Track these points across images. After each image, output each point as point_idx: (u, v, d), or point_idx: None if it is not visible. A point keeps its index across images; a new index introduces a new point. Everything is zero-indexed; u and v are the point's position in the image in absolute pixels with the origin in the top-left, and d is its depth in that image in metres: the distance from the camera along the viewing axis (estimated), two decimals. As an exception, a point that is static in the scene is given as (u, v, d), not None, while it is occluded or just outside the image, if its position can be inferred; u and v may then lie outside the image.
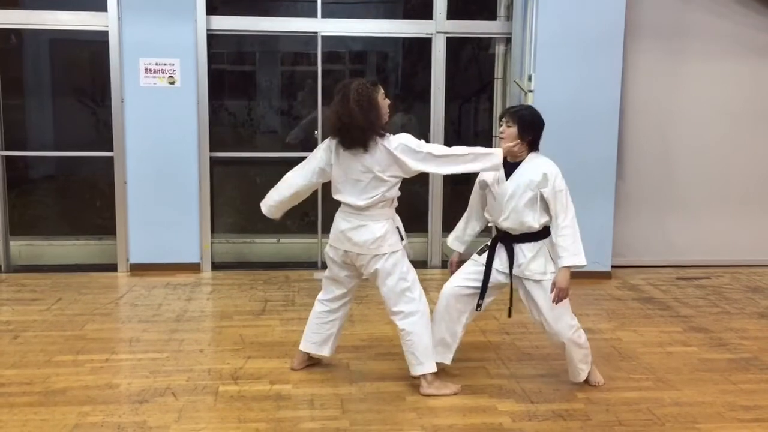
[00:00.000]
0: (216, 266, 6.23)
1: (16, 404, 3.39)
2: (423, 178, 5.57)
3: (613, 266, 6.12)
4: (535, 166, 3.49)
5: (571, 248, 3.40)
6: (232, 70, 6.90)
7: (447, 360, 3.69)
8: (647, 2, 6.18)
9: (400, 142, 3.40)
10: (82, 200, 6.70)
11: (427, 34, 6.24)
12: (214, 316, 4.97)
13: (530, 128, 3.50)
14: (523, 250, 3.53)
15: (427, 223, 6.43)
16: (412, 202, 6.40)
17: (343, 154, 3.47)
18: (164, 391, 3.56)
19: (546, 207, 3.50)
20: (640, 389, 3.68)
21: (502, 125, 3.52)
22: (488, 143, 6.56)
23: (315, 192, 6.27)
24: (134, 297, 5.33)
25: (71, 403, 3.41)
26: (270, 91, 6.92)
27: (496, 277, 3.59)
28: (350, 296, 3.79)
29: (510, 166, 3.52)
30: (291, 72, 6.98)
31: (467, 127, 6.95)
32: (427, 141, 6.15)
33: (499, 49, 6.44)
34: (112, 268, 6.10)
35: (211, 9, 5.96)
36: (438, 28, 6.20)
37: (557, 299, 3.42)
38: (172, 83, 5.92)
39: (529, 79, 5.93)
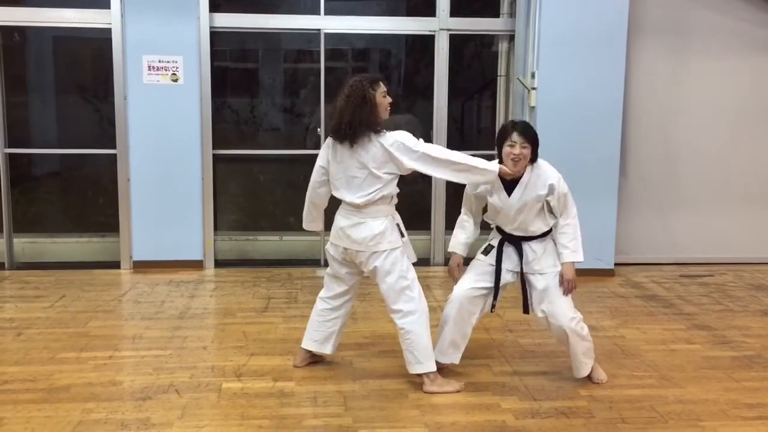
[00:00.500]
0: (219, 263, 6.24)
1: (19, 401, 3.40)
2: (426, 176, 5.56)
3: (616, 264, 6.12)
4: (537, 178, 3.49)
5: (571, 245, 3.55)
6: (235, 68, 6.90)
7: (456, 360, 3.71)
8: (650, 0, 6.16)
9: (396, 139, 3.40)
10: (85, 197, 6.71)
11: (430, 31, 6.23)
12: (217, 313, 4.97)
13: (537, 145, 3.50)
14: (532, 248, 3.59)
15: (429, 221, 6.42)
16: (414, 200, 6.39)
17: (340, 151, 3.48)
18: (167, 388, 3.57)
19: (551, 209, 3.57)
20: (643, 387, 3.67)
21: (515, 145, 3.39)
22: (490, 141, 6.54)
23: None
24: (137, 294, 5.34)
25: (75, 400, 3.42)
26: (273, 89, 6.92)
27: (505, 276, 3.63)
28: (352, 294, 3.79)
29: (510, 180, 3.50)
30: (294, 69, 6.97)
31: (470, 124, 6.94)
32: (430, 138, 6.25)
33: (502, 47, 6.43)
34: (116, 265, 6.11)
35: (214, 6, 5.97)
36: (441, 25, 6.19)
37: (567, 291, 3.53)
38: (175, 80, 5.92)
39: (532, 76, 5.92)
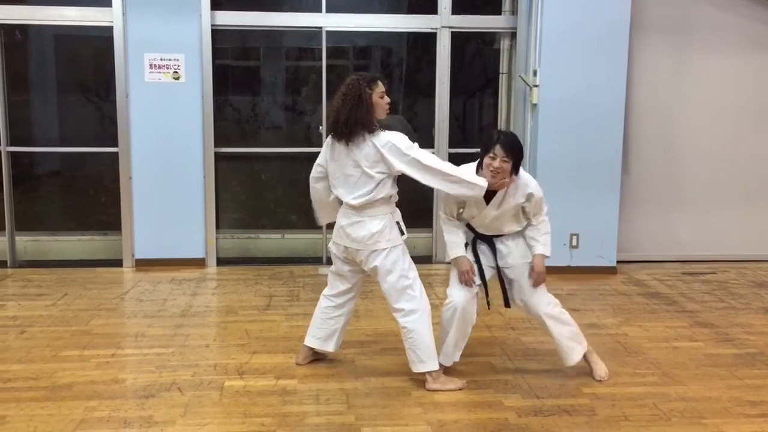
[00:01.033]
0: (221, 261, 6.25)
1: (22, 399, 3.40)
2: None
3: (618, 261, 6.11)
4: (516, 189, 3.53)
5: (541, 239, 3.63)
6: (236, 66, 6.89)
7: (457, 357, 3.73)
8: (653, -4, 6.16)
9: (389, 140, 3.38)
10: (87, 196, 6.71)
11: (431, 28, 6.23)
12: (219, 311, 4.98)
13: (520, 160, 3.51)
14: (505, 243, 3.68)
15: (431, 219, 6.42)
16: (416, 198, 6.38)
17: (338, 149, 3.49)
18: (170, 386, 3.57)
19: (525, 213, 3.65)
20: (645, 384, 3.67)
21: (495, 159, 3.39)
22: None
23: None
24: (139, 292, 5.34)
25: (77, 398, 3.42)
26: (274, 87, 6.91)
27: (486, 272, 3.70)
28: (355, 292, 3.79)
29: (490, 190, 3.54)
30: (295, 67, 6.96)
31: (472, 122, 6.93)
32: (432, 136, 6.23)
33: (504, 44, 6.41)
34: (118, 263, 6.12)
35: (216, 4, 5.96)
36: (443, 22, 6.18)
37: (536, 283, 3.62)
38: (177, 79, 5.92)
39: (534, 74, 5.92)
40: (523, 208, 3.59)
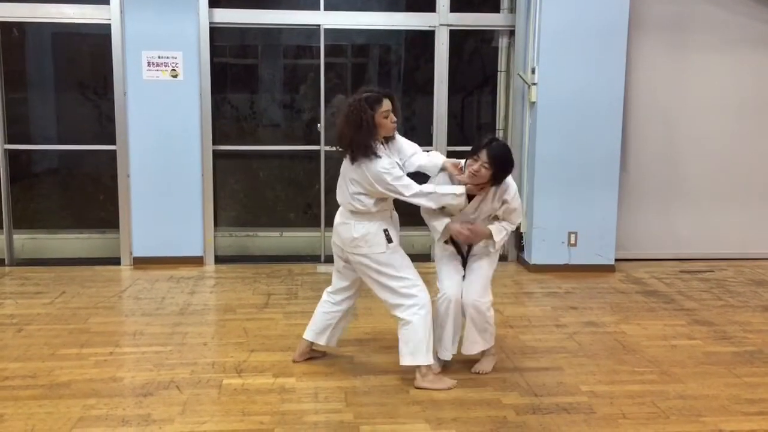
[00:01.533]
0: (219, 259, 6.24)
1: (20, 397, 3.40)
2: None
3: (616, 259, 6.12)
4: (494, 195, 3.59)
5: (501, 228, 3.62)
6: (234, 64, 6.88)
7: (455, 350, 3.76)
8: (651, -6, 6.16)
9: (378, 170, 3.37)
10: (85, 194, 6.69)
11: (430, 26, 6.22)
12: (217, 309, 4.97)
13: (505, 173, 3.52)
14: None
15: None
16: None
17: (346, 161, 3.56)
18: (168, 384, 3.57)
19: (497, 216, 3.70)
20: (644, 382, 3.67)
21: (477, 162, 3.43)
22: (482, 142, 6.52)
23: (318, 185, 6.33)
24: (138, 290, 5.33)
25: (75, 396, 3.41)
26: (272, 85, 6.90)
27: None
28: (353, 291, 3.80)
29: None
30: (293, 65, 6.95)
31: (470, 120, 6.92)
32: (431, 134, 6.22)
33: (503, 42, 6.41)
34: (116, 261, 6.11)
35: (214, 2, 5.96)
36: (441, 20, 6.18)
37: (458, 235, 3.58)
38: (175, 76, 5.91)
39: (533, 72, 5.91)
40: (497, 215, 3.65)
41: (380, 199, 3.51)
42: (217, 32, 6.14)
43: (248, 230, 6.64)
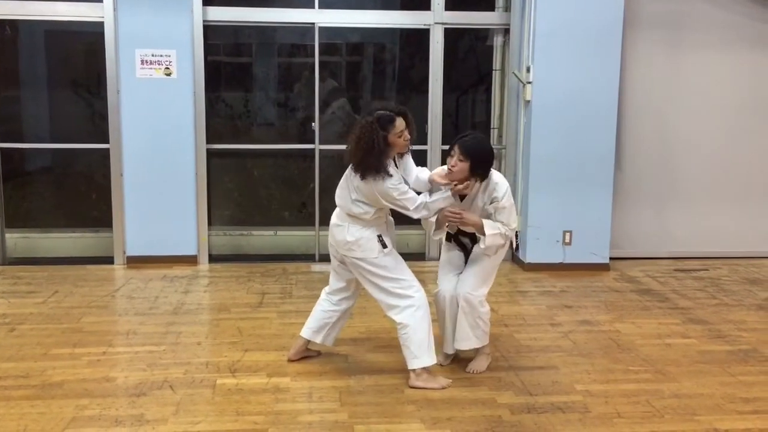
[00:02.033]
0: (213, 258, 6.22)
1: (12, 397, 3.37)
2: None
3: (611, 258, 6.12)
4: (485, 192, 3.60)
5: (494, 229, 3.56)
6: (229, 62, 6.85)
7: (453, 349, 3.78)
8: (646, -7, 6.16)
9: (387, 186, 3.37)
10: (78, 192, 6.66)
11: (425, 24, 6.21)
12: (211, 308, 4.95)
13: (484, 164, 3.53)
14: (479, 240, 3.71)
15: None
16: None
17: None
18: (162, 384, 3.55)
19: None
20: (638, 381, 3.67)
21: (452, 157, 3.49)
22: (486, 135, 6.53)
23: (312, 184, 6.32)
24: (131, 289, 5.31)
25: (68, 397, 3.39)
26: (267, 83, 6.88)
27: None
28: (351, 292, 3.79)
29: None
30: (288, 64, 6.93)
31: (465, 118, 6.91)
32: (425, 133, 6.21)
33: (498, 41, 6.40)
34: (109, 260, 6.08)
35: (208, 0, 5.92)
36: (436, 18, 6.16)
37: (446, 216, 3.55)
38: (169, 75, 5.88)
39: (528, 70, 5.91)
40: (491, 214, 3.61)
41: (380, 209, 3.51)
42: (211, 30, 6.11)
43: (242, 229, 6.62)
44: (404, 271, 3.56)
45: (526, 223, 6.03)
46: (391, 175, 3.38)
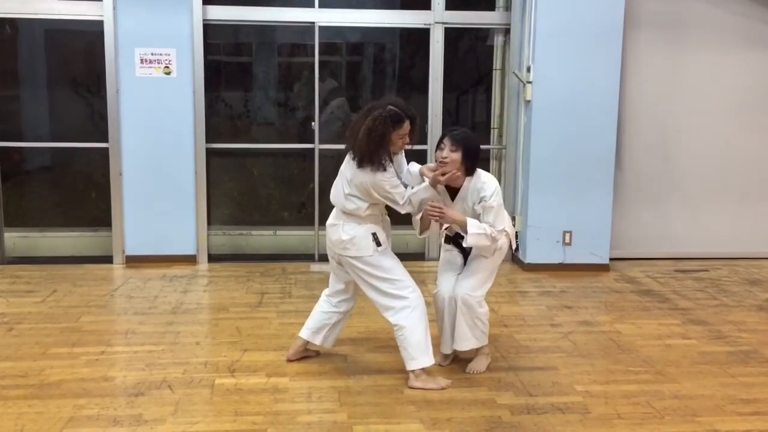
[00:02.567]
0: (212, 258, 6.21)
1: (10, 397, 3.36)
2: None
3: (611, 258, 6.11)
4: (473, 189, 3.59)
5: (477, 228, 3.50)
6: (228, 61, 6.84)
7: (452, 349, 3.77)
8: (647, -7, 6.15)
9: (380, 179, 3.38)
10: (77, 192, 6.65)
11: (425, 24, 6.20)
12: (210, 308, 4.94)
13: (473, 156, 3.54)
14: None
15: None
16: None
17: (349, 162, 3.53)
18: (160, 384, 3.53)
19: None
20: (639, 382, 3.66)
21: (444, 149, 3.51)
22: (486, 135, 6.53)
23: (312, 184, 6.30)
24: (130, 289, 5.30)
25: (66, 396, 3.38)
26: (267, 83, 6.87)
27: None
28: (350, 294, 3.79)
29: (453, 189, 3.63)
30: (288, 63, 6.93)
31: (465, 118, 6.90)
32: (426, 133, 6.20)
33: (498, 40, 6.39)
34: (108, 259, 6.07)
35: (207, -1, 5.92)
36: (436, 18, 6.15)
37: (433, 208, 3.50)
38: (168, 73, 5.87)
39: (528, 70, 5.90)
40: (479, 214, 3.59)
41: (373, 204, 3.49)
42: (211, 29, 6.10)
43: (242, 229, 6.61)
44: (400, 272, 3.55)
45: (526, 223, 6.01)
46: (386, 169, 3.40)
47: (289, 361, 3.84)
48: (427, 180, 3.56)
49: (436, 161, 3.58)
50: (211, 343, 4.17)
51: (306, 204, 6.58)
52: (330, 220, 3.63)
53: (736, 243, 6.57)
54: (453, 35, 6.33)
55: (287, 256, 6.45)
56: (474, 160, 3.56)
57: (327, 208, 3.68)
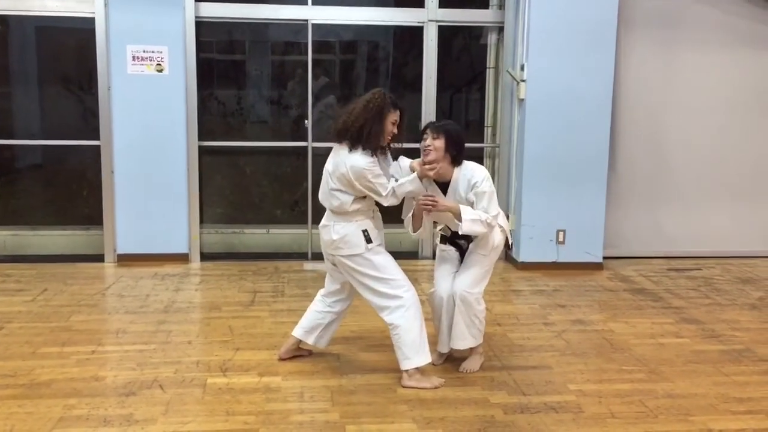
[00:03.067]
0: (205, 257, 6.18)
1: (-1, 397, 3.34)
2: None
3: (604, 257, 6.11)
4: (463, 178, 3.59)
5: (472, 215, 3.48)
6: (221, 59, 6.81)
7: (448, 348, 3.76)
8: (640, -8, 6.15)
9: (362, 167, 3.36)
10: (68, 190, 6.61)
11: (418, 22, 6.18)
12: (202, 307, 4.91)
13: (457, 143, 3.55)
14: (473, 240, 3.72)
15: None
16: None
17: (336, 152, 3.52)
18: (151, 384, 3.51)
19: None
20: (632, 381, 3.65)
21: (426, 138, 3.53)
22: (480, 133, 6.53)
23: (305, 182, 6.28)
24: (121, 288, 5.26)
25: (56, 396, 3.35)
26: (260, 81, 6.84)
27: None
28: (346, 294, 3.77)
29: (443, 184, 3.62)
30: (281, 61, 6.90)
31: (458, 117, 6.89)
32: (419, 131, 6.16)
33: (492, 39, 6.38)
34: (99, 258, 6.03)
35: (200, -4, 5.89)
36: (430, 16, 6.14)
37: (426, 199, 3.48)
38: (160, 71, 5.84)
39: (522, 68, 5.89)
40: (472, 203, 3.57)
41: (359, 199, 3.47)
42: (204, 27, 6.07)
43: (234, 227, 6.58)
44: (394, 271, 3.53)
45: (520, 221, 6.00)
46: (373, 156, 3.40)
47: (281, 359, 3.82)
48: (415, 173, 3.54)
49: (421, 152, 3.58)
50: (202, 342, 4.14)
51: (299, 202, 6.56)
52: (322, 222, 3.62)
53: (729, 242, 6.58)
54: (447, 33, 6.31)
55: (280, 254, 6.42)
56: (459, 148, 3.55)
57: (320, 206, 3.66)
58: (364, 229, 3.50)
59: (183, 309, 4.78)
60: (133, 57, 5.79)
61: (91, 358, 3.84)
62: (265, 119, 6.94)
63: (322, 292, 3.83)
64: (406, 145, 3.67)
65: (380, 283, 3.49)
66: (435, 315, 3.76)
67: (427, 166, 3.49)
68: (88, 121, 6.16)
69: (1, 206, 6.23)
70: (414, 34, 6.29)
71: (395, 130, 3.49)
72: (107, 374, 3.62)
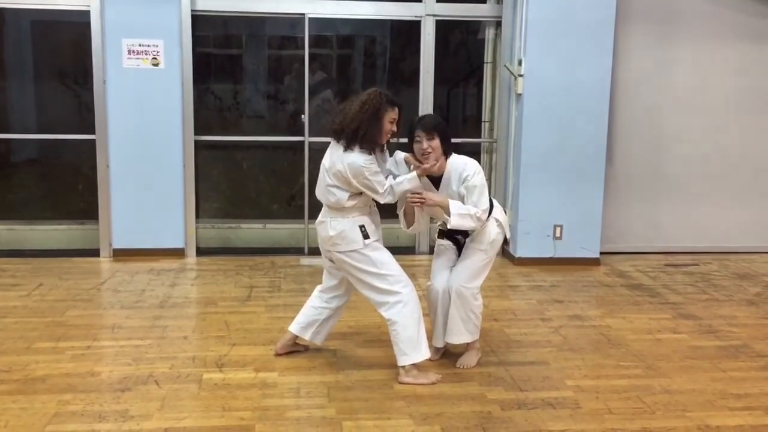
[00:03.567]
0: (201, 252, 6.16)
1: (-6, 392, 3.32)
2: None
3: (601, 252, 6.10)
4: (455, 172, 3.57)
5: (461, 209, 3.47)
6: (218, 53, 6.78)
7: (443, 342, 3.75)
8: (639, -14, 6.13)
9: (360, 164, 3.35)
10: (64, 184, 6.58)
11: (416, 16, 6.15)
12: (198, 302, 4.89)
13: (448, 138, 3.56)
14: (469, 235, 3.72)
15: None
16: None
17: (332, 149, 3.50)
18: (147, 379, 3.49)
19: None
20: (629, 377, 3.64)
21: (421, 141, 3.49)
22: (477, 128, 6.51)
23: (302, 177, 6.26)
24: (117, 282, 5.24)
25: (51, 392, 3.33)
26: (257, 75, 6.81)
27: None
28: (343, 290, 3.75)
29: (435, 178, 3.61)
30: (278, 56, 6.87)
31: (456, 112, 6.87)
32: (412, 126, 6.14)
33: (489, 33, 6.36)
34: (95, 253, 6.01)
35: (196, -11, 5.86)
36: (427, 10, 6.11)
37: (415, 199, 3.46)
38: (156, 65, 5.80)
39: (519, 63, 5.87)
40: (464, 196, 3.55)
41: (355, 194, 3.45)
42: (200, 21, 6.03)
43: (231, 222, 6.56)
44: (392, 267, 3.51)
45: (517, 217, 5.99)
46: (370, 154, 3.38)
47: (277, 355, 3.81)
48: (414, 171, 3.52)
49: (416, 155, 3.55)
50: (198, 337, 4.13)
51: (296, 197, 6.53)
52: (319, 218, 3.60)
53: (726, 237, 6.57)
54: (444, 28, 6.28)
55: (277, 249, 6.40)
56: (449, 142, 3.56)
57: (317, 201, 3.65)
58: (361, 224, 3.48)
59: (179, 304, 4.76)
60: (129, 51, 5.76)
61: (87, 354, 3.82)
62: (261, 114, 6.91)
63: (319, 287, 3.81)
64: (401, 140, 3.65)
65: (378, 279, 3.47)
66: (431, 309, 3.76)
67: (427, 166, 3.48)
68: (84, 116, 6.12)
69: (-3, 200, 6.20)
70: (411, 28, 6.27)
71: (394, 128, 3.46)
72: (102, 369, 3.61)
